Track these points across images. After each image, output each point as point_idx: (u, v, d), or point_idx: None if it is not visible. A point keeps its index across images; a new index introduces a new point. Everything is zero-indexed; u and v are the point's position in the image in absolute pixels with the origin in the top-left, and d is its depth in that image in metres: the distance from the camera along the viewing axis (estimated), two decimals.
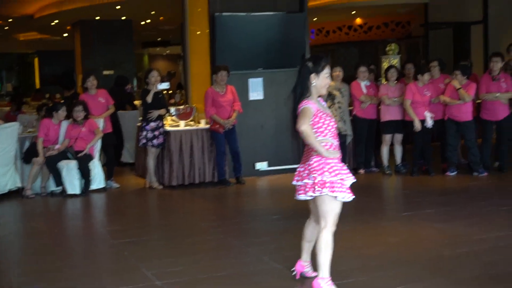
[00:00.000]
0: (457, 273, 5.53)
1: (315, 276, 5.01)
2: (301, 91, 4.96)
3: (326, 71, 4.95)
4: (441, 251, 6.22)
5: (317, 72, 4.94)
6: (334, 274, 5.04)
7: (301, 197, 5.03)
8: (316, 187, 4.81)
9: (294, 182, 5.14)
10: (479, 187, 9.47)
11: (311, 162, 4.88)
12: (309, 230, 5.31)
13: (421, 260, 5.92)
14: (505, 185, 9.55)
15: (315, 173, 4.83)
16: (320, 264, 4.88)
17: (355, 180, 5.01)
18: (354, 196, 4.93)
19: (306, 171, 4.94)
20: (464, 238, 6.64)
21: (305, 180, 4.94)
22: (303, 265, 5.44)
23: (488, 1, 15.65)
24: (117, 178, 10.90)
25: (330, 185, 4.79)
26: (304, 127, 4.76)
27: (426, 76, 10.15)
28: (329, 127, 4.93)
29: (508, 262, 5.81)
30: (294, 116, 5.00)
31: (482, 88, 10.31)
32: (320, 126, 4.90)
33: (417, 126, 9.92)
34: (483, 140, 10.59)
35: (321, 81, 4.96)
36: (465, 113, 10.13)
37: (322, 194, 4.81)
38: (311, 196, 4.91)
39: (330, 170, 4.81)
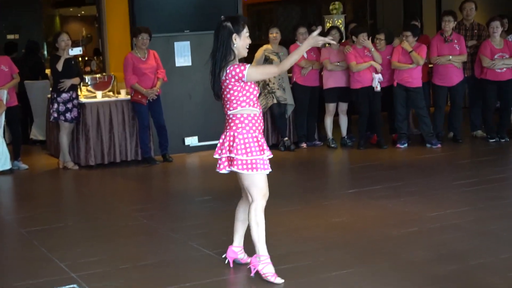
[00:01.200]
0: (405, 254, 5.58)
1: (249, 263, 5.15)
2: (224, 54, 4.96)
3: (246, 30, 5.02)
4: (388, 231, 6.29)
5: (238, 32, 4.98)
6: (273, 259, 5.08)
7: (222, 171, 5.14)
8: (235, 162, 4.96)
9: (215, 156, 5.17)
10: (432, 160, 9.64)
11: (231, 138, 5.00)
12: (241, 209, 5.37)
13: (366, 242, 5.98)
14: (458, 157, 9.75)
15: (234, 149, 4.94)
16: (255, 242, 5.05)
17: (271, 156, 5.16)
18: (270, 170, 5.08)
19: (227, 145, 5.04)
20: (414, 216, 6.72)
21: (226, 155, 5.04)
22: (235, 251, 5.41)
23: None
24: (25, 158, 10.71)
25: (250, 161, 4.95)
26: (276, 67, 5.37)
27: (361, 38, 10.25)
28: (253, 96, 5.02)
29: (459, 240, 5.89)
30: (215, 87, 5.03)
31: (434, 50, 10.45)
32: (245, 93, 4.95)
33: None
34: (435, 108, 10.78)
35: (242, 41, 5.03)
36: (416, 79, 10.27)
37: (241, 171, 4.98)
38: (228, 170, 5.07)
39: (251, 146, 4.97)
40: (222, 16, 5.15)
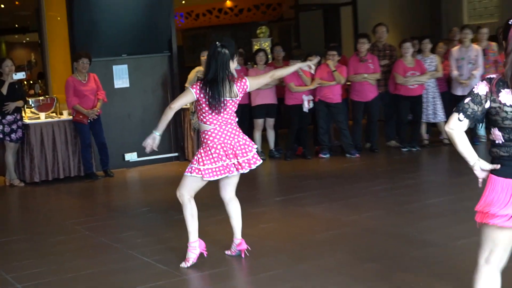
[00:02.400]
0: (326, 257, 5.64)
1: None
2: (224, 76, 5.32)
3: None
4: (312, 235, 6.35)
5: (233, 57, 5.42)
6: (199, 265, 5.29)
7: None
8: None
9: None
10: (351, 168, 9.74)
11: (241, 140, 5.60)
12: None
13: (290, 246, 6.02)
14: (376, 165, 9.90)
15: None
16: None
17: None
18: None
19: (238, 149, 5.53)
20: (335, 221, 6.80)
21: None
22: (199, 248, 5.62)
23: None
24: None
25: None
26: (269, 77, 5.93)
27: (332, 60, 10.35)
28: None
29: (377, 242, 5.99)
30: (218, 104, 5.34)
31: (350, 69, 10.63)
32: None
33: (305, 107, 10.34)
34: (353, 121, 10.94)
35: (234, 64, 5.48)
36: (337, 95, 10.44)
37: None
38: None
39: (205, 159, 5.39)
40: (217, 42, 5.38)
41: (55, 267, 5.81)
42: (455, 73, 10.81)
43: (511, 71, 3.37)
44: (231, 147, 5.45)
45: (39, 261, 6.03)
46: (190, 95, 5.37)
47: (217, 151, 5.37)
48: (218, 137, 5.40)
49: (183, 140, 11.20)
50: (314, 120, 10.80)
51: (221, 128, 5.42)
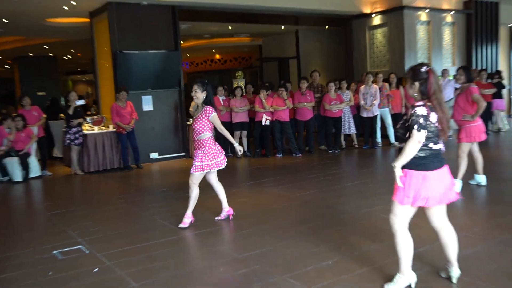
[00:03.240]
0: (280, 219, 5.70)
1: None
2: (209, 103, 5.33)
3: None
4: (271, 205, 6.41)
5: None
6: (198, 226, 5.33)
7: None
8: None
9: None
10: (296, 163, 9.78)
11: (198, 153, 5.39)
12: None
13: (257, 212, 6.07)
14: (311, 161, 9.92)
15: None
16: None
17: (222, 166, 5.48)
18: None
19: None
20: (286, 197, 6.84)
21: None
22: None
23: (299, 44, 16.10)
24: (49, 168, 10.44)
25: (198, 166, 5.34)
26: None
27: (263, 94, 10.42)
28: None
29: (312, 210, 6.05)
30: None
31: (295, 100, 10.73)
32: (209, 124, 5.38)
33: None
34: (298, 133, 11.03)
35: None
36: (286, 116, 10.53)
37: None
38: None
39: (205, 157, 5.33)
40: (205, 80, 5.43)
41: (104, 227, 5.81)
42: (362, 102, 10.95)
43: (437, 102, 3.42)
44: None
45: (93, 223, 6.03)
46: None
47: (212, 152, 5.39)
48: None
49: (187, 144, 11.19)
50: (272, 132, 10.84)
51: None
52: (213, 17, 12.09)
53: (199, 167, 5.32)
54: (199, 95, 5.29)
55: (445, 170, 3.51)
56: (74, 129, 9.73)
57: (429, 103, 3.45)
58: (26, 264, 4.67)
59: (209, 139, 5.35)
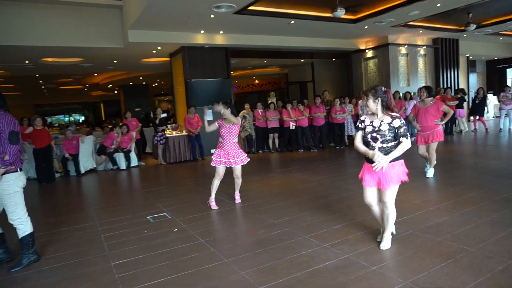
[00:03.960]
0: (302, 197, 5.57)
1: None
2: (234, 114, 5.23)
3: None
4: (296, 186, 6.29)
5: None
6: (249, 200, 5.17)
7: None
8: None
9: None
10: (313, 156, 9.57)
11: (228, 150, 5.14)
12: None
13: (287, 191, 5.96)
14: (324, 155, 9.68)
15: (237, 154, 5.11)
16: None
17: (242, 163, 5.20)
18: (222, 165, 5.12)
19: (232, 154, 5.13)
20: (306, 180, 6.70)
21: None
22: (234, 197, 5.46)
23: (314, 72, 15.87)
24: (143, 160, 10.57)
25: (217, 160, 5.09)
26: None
27: (290, 105, 10.26)
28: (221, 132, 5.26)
29: (325, 190, 5.90)
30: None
31: (312, 111, 10.48)
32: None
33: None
34: (313, 134, 10.77)
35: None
36: (305, 123, 10.31)
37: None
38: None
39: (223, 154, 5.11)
40: (228, 100, 5.31)
41: (179, 200, 5.81)
42: (360, 112, 10.61)
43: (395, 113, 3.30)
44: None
45: (172, 197, 6.05)
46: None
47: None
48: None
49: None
50: (296, 134, 10.66)
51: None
52: (253, 55, 12.07)
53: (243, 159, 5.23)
54: (226, 111, 5.14)
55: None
56: (159, 133, 9.84)
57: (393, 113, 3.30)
58: (128, 225, 4.75)
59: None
